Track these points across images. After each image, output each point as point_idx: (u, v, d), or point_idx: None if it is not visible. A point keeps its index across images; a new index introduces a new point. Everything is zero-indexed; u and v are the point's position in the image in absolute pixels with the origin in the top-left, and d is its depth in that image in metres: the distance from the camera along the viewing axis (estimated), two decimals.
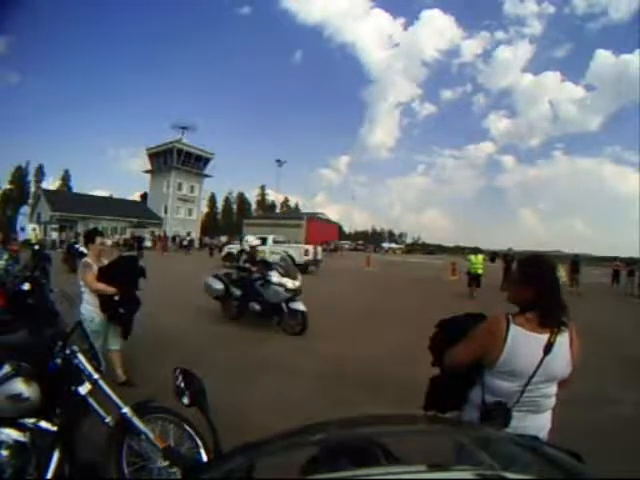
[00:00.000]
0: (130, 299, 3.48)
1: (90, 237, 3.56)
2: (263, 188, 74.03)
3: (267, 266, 6.29)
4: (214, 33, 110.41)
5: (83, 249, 11.16)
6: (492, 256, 21.72)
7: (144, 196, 50.44)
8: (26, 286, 3.97)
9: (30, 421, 1.65)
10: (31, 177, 56.24)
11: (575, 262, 15.00)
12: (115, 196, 48.72)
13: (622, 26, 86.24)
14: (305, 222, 48.34)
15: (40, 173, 56.45)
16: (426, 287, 13.95)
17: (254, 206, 74.23)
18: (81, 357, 1.79)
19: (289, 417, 2.83)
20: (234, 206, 73.09)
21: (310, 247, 18.33)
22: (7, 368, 1.67)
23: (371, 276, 17.56)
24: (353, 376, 4.19)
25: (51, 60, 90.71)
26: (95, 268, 3.37)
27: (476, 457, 0.79)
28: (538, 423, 1.42)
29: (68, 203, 36.21)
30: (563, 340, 1.38)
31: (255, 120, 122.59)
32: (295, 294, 6.00)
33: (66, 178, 56.16)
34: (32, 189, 53.83)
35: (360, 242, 65.63)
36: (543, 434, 1.41)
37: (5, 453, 1.57)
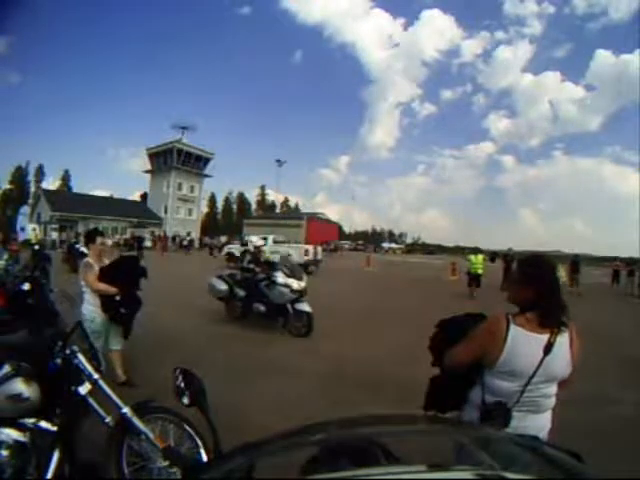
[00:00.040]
0: (131, 299, 3.47)
1: (91, 237, 3.56)
2: (263, 188, 74.20)
3: (272, 267, 6.22)
4: (214, 33, 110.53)
5: (84, 249, 11.16)
6: (492, 256, 21.71)
7: (144, 196, 50.46)
8: (26, 286, 3.96)
9: (30, 421, 1.65)
10: (31, 177, 56.39)
11: (575, 262, 15.00)
12: (115, 196, 48.90)
13: (622, 26, 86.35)
14: (305, 222, 48.38)
15: (40, 173, 56.56)
16: (426, 287, 13.95)
17: (254, 206, 74.28)
18: (81, 357, 1.79)
19: (290, 417, 2.83)
20: (234, 206, 73.12)
21: (310, 247, 18.35)
22: (7, 368, 1.67)
23: (371, 276, 17.57)
24: (353, 376, 4.19)
25: (51, 60, 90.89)
26: (96, 268, 3.37)
27: (476, 457, 0.79)
28: (538, 423, 1.42)
29: (68, 203, 36.22)
30: (563, 340, 1.39)
31: (255, 120, 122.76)
32: (300, 295, 5.93)
33: (66, 178, 56.24)
34: (32, 189, 53.88)
35: (360, 242, 65.61)
36: (543, 434, 1.41)
37: (5, 453, 1.57)
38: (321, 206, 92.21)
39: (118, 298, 3.36)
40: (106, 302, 3.34)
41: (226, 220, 67.21)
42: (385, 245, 68.91)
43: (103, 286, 3.33)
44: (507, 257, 15.27)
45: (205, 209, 61.62)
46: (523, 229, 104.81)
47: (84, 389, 1.76)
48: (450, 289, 12.91)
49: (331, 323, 6.59)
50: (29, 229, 26.08)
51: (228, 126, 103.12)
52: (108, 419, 1.80)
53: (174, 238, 34.82)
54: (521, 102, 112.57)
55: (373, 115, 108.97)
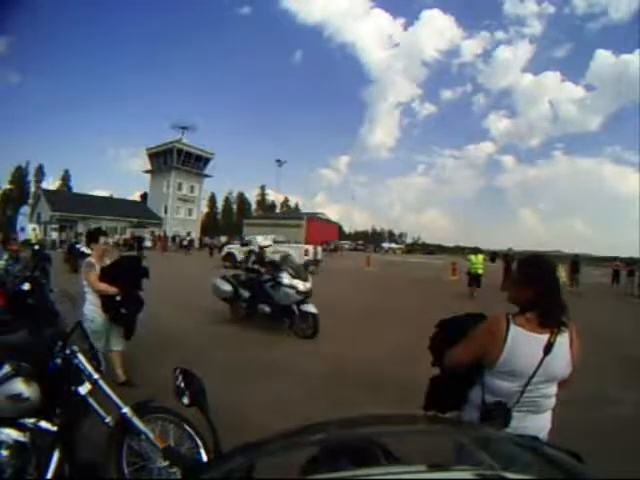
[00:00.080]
0: (132, 299, 3.47)
1: (94, 237, 3.56)
2: (263, 188, 74.16)
3: (277, 267, 6.16)
4: (214, 33, 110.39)
5: (85, 249, 11.15)
6: (492, 256, 21.74)
7: (144, 196, 50.45)
8: (26, 286, 3.97)
9: (30, 421, 1.65)
10: (31, 177, 56.37)
11: (575, 262, 15.01)
12: (115, 196, 48.85)
13: (622, 26, 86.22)
14: (305, 222, 48.35)
15: (40, 173, 56.53)
16: (426, 287, 13.95)
17: (254, 206, 74.26)
18: (81, 357, 1.79)
19: (290, 417, 2.83)
20: (234, 206, 73.10)
21: (310, 247, 18.36)
22: (7, 368, 1.67)
23: (371, 276, 17.57)
24: (353, 376, 4.19)
25: (51, 60, 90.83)
26: (98, 268, 3.37)
27: (476, 457, 0.79)
28: (538, 423, 1.42)
29: (68, 203, 36.22)
30: (563, 340, 1.38)
31: (255, 120, 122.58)
32: (306, 296, 5.86)
33: (66, 178, 56.22)
34: (32, 189, 53.86)
35: (360, 242, 65.60)
36: (543, 434, 1.41)
37: (5, 453, 1.57)
38: (321, 206, 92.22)
39: (118, 298, 3.36)
40: (107, 302, 3.34)
41: (226, 220, 67.20)
42: (385, 245, 68.91)
43: (104, 286, 3.33)
44: (507, 257, 15.28)
45: (205, 209, 61.70)
46: (523, 229, 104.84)
47: (84, 389, 1.76)
48: (450, 289, 12.91)
49: (331, 323, 6.59)
50: (29, 229, 26.09)
51: (228, 126, 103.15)
52: (108, 419, 1.80)
53: (174, 238, 34.82)
54: (521, 102, 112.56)
55: (373, 115, 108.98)
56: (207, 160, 46.44)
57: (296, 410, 3.09)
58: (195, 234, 42.71)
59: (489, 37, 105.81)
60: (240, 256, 17.69)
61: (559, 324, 1.39)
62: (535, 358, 1.35)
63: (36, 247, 9.76)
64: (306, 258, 16.52)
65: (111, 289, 3.32)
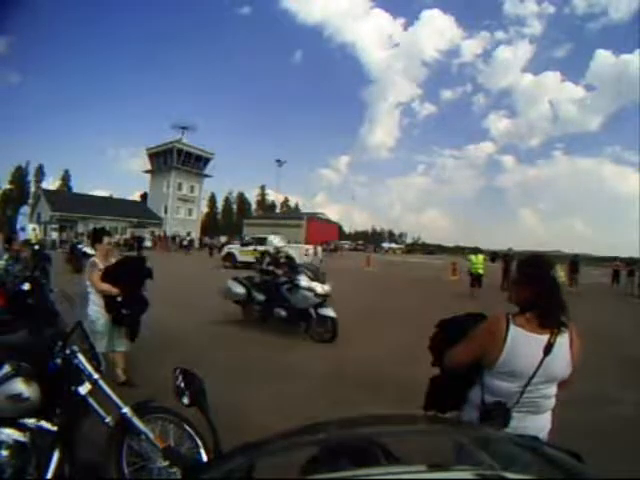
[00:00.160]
0: (135, 300, 3.45)
1: (98, 237, 3.56)
2: (263, 188, 74.11)
3: (294, 269, 6.00)
4: (214, 33, 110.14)
5: (87, 249, 11.16)
6: (493, 256, 21.73)
7: (144, 196, 50.46)
8: (26, 286, 3.96)
9: (30, 421, 1.65)
10: (31, 177, 56.30)
11: (574, 262, 15.02)
12: (115, 196, 48.81)
13: (622, 26, 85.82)
14: (305, 222, 48.38)
15: (40, 173, 56.48)
16: (426, 287, 13.95)
17: (254, 206, 74.23)
18: (81, 357, 1.79)
19: (290, 416, 2.83)
20: (234, 206, 73.08)
21: (310, 247, 18.39)
22: (7, 368, 1.67)
23: (371, 276, 17.56)
24: (353, 376, 4.20)
25: (51, 60, 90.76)
26: (100, 268, 3.37)
27: (476, 457, 0.79)
28: (538, 424, 1.42)
29: (68, 203, 36.24)
30: (563, 341, 1.38)
31: (255, 120, 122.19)
32: (324, 299, 5.68)
33: (66, 178, 56.18)
34: (32, 189, 53.81)
35: (360, 242, 65.59)
36: (543, 435, 1.41)
37: (5, 453, 1.57)
38: (321, 206, 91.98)
39: (120, 299, 3.35)
40: (109, 303, 3.34)
41: (226, 220, 67.20)
42: (385, 245, 68.89)
43: (106, 286, 3.32)
44: (506, 257, 15.26)
45: (205, 209, 61.69)
46: (523, 229, 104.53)
47: (84, 389, 1.76)
48: (450, 289, 12.91)
49: None
50: (29, 229, 26.05)
51: (228, 126, 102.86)
52: (108, 419, 1.80)
53: (174, 238, 34.81)
54: (521, 102, 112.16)
55: (373, 115, 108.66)
56: (207, 160, 46.45)
57: (296, 409, 3.09)
58: (195, 234, 42.70)
59: (489, 37, 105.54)
60: (240, 256, 17.72)
61: (559, 324, 1.39)
62: (535, 358, 1.35)
63: (36, 247, 9.74)
64: (306, 258, 16.52)
65: (113, 290, 3.32)
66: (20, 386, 1.64)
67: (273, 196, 68.98)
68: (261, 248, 17.12)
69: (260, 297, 6.09)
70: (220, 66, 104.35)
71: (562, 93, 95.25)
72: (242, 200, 73.40)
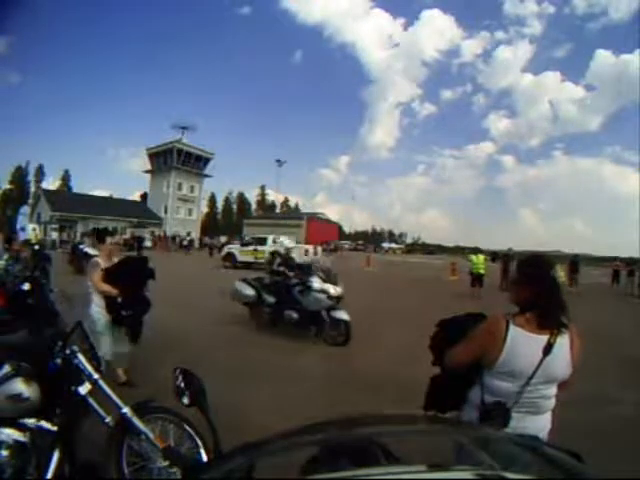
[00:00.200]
0: (137, 301, 3.44)
1: (100, 237, 3.56)
2: (263, 188, 74.09)
3: (306, 271, 5.86)
4: (214, 33, 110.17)
5: (88, 250, 11.15)
6: (493, 256, 21.74)
7: (144, 196, 50.45)
8: (26, 286, 3.96)
9: (30, 421, 1.65)
10: (31, 177, 56.28)
11: (574, 262, 15.02)
12: (115, 196, 48.78)
13: (622, 26, 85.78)
14: (305, 222, 48.37)
15: (40, 173, 56.47)
16: (426, 287, 13.95)
17: (254, 206, 74.21)
18: (81, 357, 1.79)
19: (289, 417, 2.83)
20: (234, 206, 73.06)
21: (310, 247, 18.37)
22: (7, 368, 1.67)
23: (371, 276, 17.56)
24: (353, 376, 4.19)
25: (51, 60, 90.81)
26: (102, 268, 3.37)
27: (476, 457, 0.79)
28: (537, 424, 1.41)
29: (68, 203, 36.22)
30: (563, 341, 1.38)
31: (255, 120, 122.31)
32: (337, 302, 5.58)
33: (66, 178, 56.17)
34: (32, 189, 53.79)
35: (360, 242, 65.58)
36: (542, 435, 1.41)
37: (5, 453, 1.57)
38: (321, 206, 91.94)
39: (120, 300, 3.34)
40: (110, 303, 3.34)
41: (226, 220, 67.19)
42: (385, 245, 68.87)
43: (107, 287, 3.32)
44: (505, 257, 15.25)
45: (205, 209, 61.66)
46: (523, 229, 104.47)
47: (84, 389, 1.76)
48: (450, 289, 12.91)
49: None
50: (29, 229, 26.05)
51: (228, 126, 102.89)
52: (108, 419, 1.80)
53: (174, 238, 34.81)
54: (521, 102, 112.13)
55: (373, 115, 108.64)
56: (207, 160, 46.45)
57: (296, 409, 3.09)
58: (195, 234, 42.71)
59: (489, 37, 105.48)
60: (240, 256, 17.72)
61: (559, 325, 1.39)
62: (534, 359, 1.35)
63: (36, 247, 9.73)
64: (306, 258, 16.52)
65: (113, 291, 3.31)
66: (20, 386, 1.64)
67: (273, 196, 69.08)
68: (261, 248, 17.16)
69: (270, 299, 5.92)
70: (220, 66, 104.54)
71: (562, 93, 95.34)
72: (242, 200, 73.39)
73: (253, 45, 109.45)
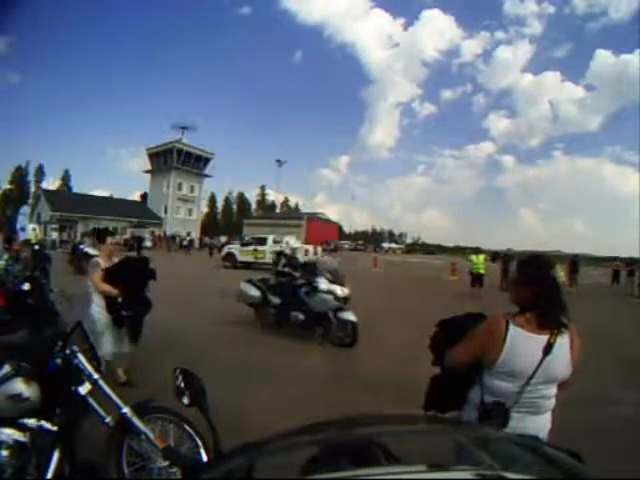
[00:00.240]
0: (137, 301, 3.43)
1: (101, 237, 3.56)
2: (263, 188, 74.05)
3: (313, 271, 5.78)
4: (214, 33, 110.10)
5: (88, 250, 11.15)
6: (493, 256, 21.76)
7: (144, 196, 50.44)
8: (26, 286, 3.96)
9: (30, 421, 1.65)
10: (31, 177, 56.26)
11: (574, 262, 15.03)
12: (115, 196, 48.81)
13: (622, 26, 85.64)
14: (305, 222, 48.34)
15: (40, 173, 56.45)
16: (426, 287, 13.96)
17: (254, 206, 74.18)
18: (81, 357, 1.79)
19: (289, 417, 2.83)
20: (234, 206, 73.04)
21: (310, 247, 18.36)
22: (7, 368, 1.67)
23: (375, 277, 17.55)
24: (353, 376, 4.19)
25: (51, 60, 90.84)
26: (103, 268, 3.37)
27: (476, 457, 0.79)
28: (537, 424, 1.41)
29: (68, 203, 36.22)
30: (563, 341, 1.38)
31: (255, 120, 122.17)
32: (344, 303, 5.54)
33: (66, 178, 56.14)
34: (32, 189, 53.76)
35: (360, 242, 65.61)
36: (542, 435, 1.41)
37: (5, 453, 1.57)
38: (321, 206, 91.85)
39: (119, 300, 3.34)
40: (110, 303, 3.34)
41: (226, 220, 67.18)
42: (385, 245, 68.85)
43: (107, 287, 3.32)
44: (505, 257, 15.26)
45: (205, 209, 61.65)
46: (523, 229, 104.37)
47: (84, 389, 1.76)
48: (450, 289, 12.91)
49: None
50: (29, 229, 26.04)
51: (228, 126, 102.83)
52: (108, 419, 1.79)
53: (174, 238, 34.79)
54: (521, 102, 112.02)
55: (373, 115, 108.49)
56: (207, 160, 46.45)
57: (296, 408, 3.09)
58: (195, 234, 42.70)
59: (489, 37, 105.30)
60: (240, 256, 17.72)
61: (559, 325, 1.39)
62: (534, 359, 1.35)
63: (36, 247, 9.73)
64: (306, 258, 16.52)
65: (113, 291, 3.31)
66: (20, 386, 1.64)
67: (273, 196, 69.06)
68: (261, 248, 17.16)
69: (276, 300, 5.85)
70: (220, 66, 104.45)
71: (562, 93, 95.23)
72: (242, 200, 73.37)
73: (253, 45, 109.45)
